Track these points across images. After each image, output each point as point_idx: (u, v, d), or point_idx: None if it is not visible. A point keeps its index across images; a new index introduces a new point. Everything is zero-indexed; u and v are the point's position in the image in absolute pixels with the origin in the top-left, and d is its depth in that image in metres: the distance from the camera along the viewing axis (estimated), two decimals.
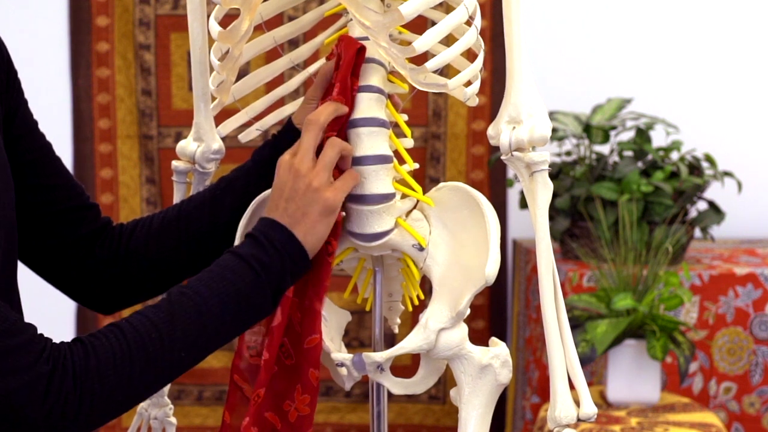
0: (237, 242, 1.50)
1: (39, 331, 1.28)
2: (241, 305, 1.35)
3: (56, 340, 1.53)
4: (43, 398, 1.23)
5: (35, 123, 1.51)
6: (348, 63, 1.46)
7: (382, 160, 1.46)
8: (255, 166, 1.57)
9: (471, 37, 1.37)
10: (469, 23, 1.36)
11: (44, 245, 1.53)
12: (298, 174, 1.41)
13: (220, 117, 1.70)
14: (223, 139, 1.72)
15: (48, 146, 1.52)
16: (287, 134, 1.57)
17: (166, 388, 1.84)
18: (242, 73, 1.60)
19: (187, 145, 1.72)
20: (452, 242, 1.48)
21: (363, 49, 1.47)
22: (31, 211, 1.50)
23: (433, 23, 1.37)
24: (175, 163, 1.73)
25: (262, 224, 1.40)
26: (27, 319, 1.40)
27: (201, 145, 1.71)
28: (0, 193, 1.36)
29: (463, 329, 1.46)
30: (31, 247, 1.53)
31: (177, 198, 1.75)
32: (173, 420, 1.85)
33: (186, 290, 1.34)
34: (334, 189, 1.42)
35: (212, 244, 1.55)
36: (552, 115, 3.14)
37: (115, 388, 1.27)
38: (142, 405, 1.86)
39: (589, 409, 1.40)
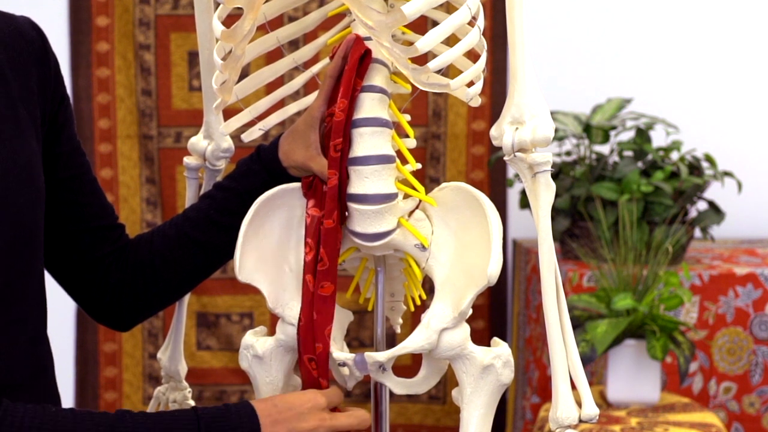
0: (239, 242, 1.50)
1: None
2: None
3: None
4: None
5: (78, 143, 1.56)
6: (352, 66, 1.46)
7: (385, 160, 1.46)
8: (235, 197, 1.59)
9: (473, 38, 1.36)
10: (471, 24, 1.36)
11: (69, 260, 1.57)
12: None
13: (224, 115, 1.71)
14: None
15: (87, 165, 1.57)
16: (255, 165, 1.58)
17: (184, 372, 1.85)
18: (243, 73, 1.60)
19: (197, 141, 1.74)
20: (454, 242, 1.48)
21: (368, 52, 1.47)
22: (61, 225, 1.54)
23: (436, 23, 1.36)
24: (186, 160, 1.76)
25: (240, 403, 1.40)
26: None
27: (211, 144, 1.73)
28: (15, 196, 1.38)
29: (465, 329, 1.46)
30: (57, 260, 1.57)
31: (189, 193, 1.78)
32: (192, 403, 1.86)
33: (127, 415, 1.35)
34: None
35: (215, 257, 1.59)
36: (552, 115, 3.13)
37: None
38: (159, 389, 1.88)
39: (591, 410, 1.40)
